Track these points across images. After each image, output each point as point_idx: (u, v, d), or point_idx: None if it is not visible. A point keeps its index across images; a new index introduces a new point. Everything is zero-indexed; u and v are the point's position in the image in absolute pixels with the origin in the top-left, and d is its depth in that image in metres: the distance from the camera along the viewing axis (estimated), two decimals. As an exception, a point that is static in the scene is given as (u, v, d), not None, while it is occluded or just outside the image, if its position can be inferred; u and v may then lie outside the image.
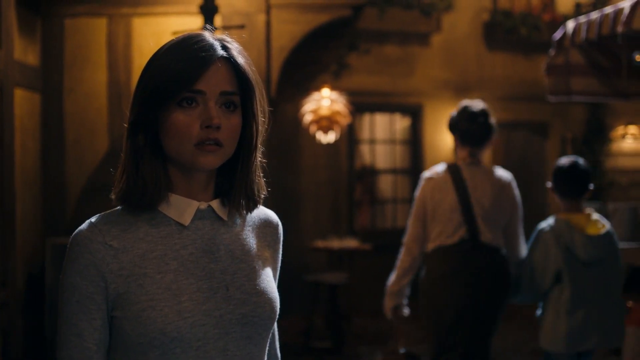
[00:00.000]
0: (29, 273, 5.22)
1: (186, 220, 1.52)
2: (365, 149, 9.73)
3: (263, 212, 1.68)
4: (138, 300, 1.46)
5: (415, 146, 9.71)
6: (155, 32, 5.55)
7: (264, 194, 1.61)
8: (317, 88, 7.92)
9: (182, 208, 1.53)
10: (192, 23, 5.16)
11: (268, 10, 5.50)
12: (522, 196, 11.49)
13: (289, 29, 5.59)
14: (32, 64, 5.40)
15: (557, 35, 5.73)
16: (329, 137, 7.90)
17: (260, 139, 1.56)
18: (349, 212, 9.39)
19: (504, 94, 9.79)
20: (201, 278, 1.50)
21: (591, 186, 3.89)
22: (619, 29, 4.73)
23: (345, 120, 7.85)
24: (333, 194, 9.32)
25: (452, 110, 9.49)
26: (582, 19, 5.28)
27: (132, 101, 1.52)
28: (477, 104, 4.27)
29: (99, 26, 5.62)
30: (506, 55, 9.87)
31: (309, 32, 5.71)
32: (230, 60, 1.50)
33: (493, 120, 4.26)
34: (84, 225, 1.51)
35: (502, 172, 4.10)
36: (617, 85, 6.14)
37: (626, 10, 4.65)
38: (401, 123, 9.86)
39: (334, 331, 7.37)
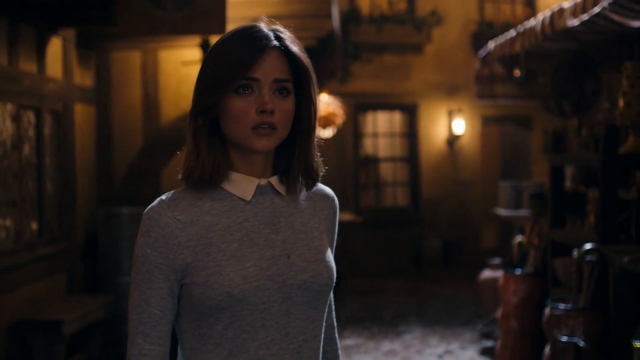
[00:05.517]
0: (87, 233, 7.29)
1: (248, 195, 1.59)
2: (368, 142, 11.62)
3: (320, 188, 1.73)
4: (206, 267, 1.53)
5: (411, 138, 11.55)
6: (174, 60, 7.52)
7: (322, 172, 1.67)
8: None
9: (244, 185, 1.60)
10: (196, 54, 7.13)
11: (256, 42, 7.34)
12: (513, 175, 13.00)
13: (271, 55, 7.43)
14: (88, 86, 7.47)
15: (482, 53, 7.48)
16: (327, 133, 9.82)
17: (316, 121, 1.62)
18: (355, 194, 11.30)
19: (491, 93, 11.46)
20: (264, 247, 1.57)
21: None
22: (508, 50, 6.52)
23: (339, 120, 9.74)
24: (341, 179, 11.22)
25: (443, 108, 11.32)
26: (498, 40, 7.01)
27: (195, 89, 1.59)
28: None
29: (135, 57, 7.62)
30: (492, 59, 11.48)
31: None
32: (282, 49, 1.57)
33: None
34: (155, 202, 1.58)
35: None
36: (530, 89, 7.89)
37: (512, 38, 6.42)
38: (399, 119, 11.71)
39: (329, 286, 9.27)
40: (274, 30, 1.58)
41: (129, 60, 7.64)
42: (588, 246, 4.62)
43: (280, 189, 1.63)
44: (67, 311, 5.95)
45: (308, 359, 1.60)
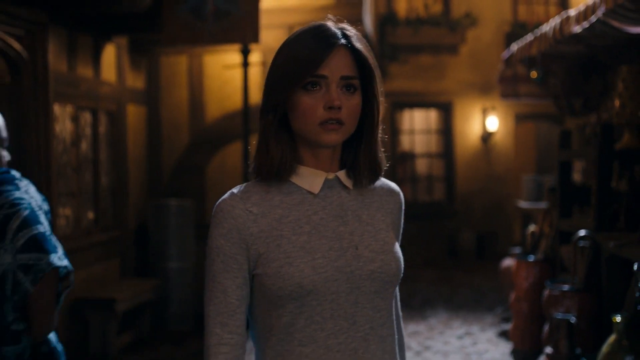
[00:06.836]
0: (138, 222, 7.95)
1: (316, 189, 1.63)
2: (405, 138, 12.13)
3: (386, 183, 1.75)
4: (277, 258, 1.57)
5: (447, 135, 12.02)
6: (218, 64, 8.13)
7: (385, 167, 1.69)
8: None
9: (312, 178, 1.63)
10: (237, 58, 7.73)
11: (292, 46, 7.89)
12: (546, 168, 13.44)
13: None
14: (139, 88, 8.15)
15: (506, 55, 7.90)
16: (363, 130, 10.37)
17: (381, 117, 1.64)
18: (392, 188, 11.81)
19: (524, 91, 11.87)
20: (332, 239, 1.61)
21: None
22: (527, 53, 6.96)
23: (375, 117, 10.29)
24: (379, 173, 11.76)
25: (478, 106, 11.75)
26: (519, 42, 7.44)
27: (264, 86, 1.64)
28: None
29: (182, 61, 8.26)
30: (526, 59, 11.89)
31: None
32: (349, 47, 1.59)
33: None
34: (226, 195, 1.63)
35: None
36: (550, 88, 8.30)
37: (530, 41, 6.86)
38: (435, 116, 12.19)
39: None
40: (341, 29, 1.61)
41: (176, 65, 8.29)
42: (582, 233, 5.09)
43: (347, 182, 1.66)
44: (119, 292, 6.63)
45: (375, 346, 1.63)
